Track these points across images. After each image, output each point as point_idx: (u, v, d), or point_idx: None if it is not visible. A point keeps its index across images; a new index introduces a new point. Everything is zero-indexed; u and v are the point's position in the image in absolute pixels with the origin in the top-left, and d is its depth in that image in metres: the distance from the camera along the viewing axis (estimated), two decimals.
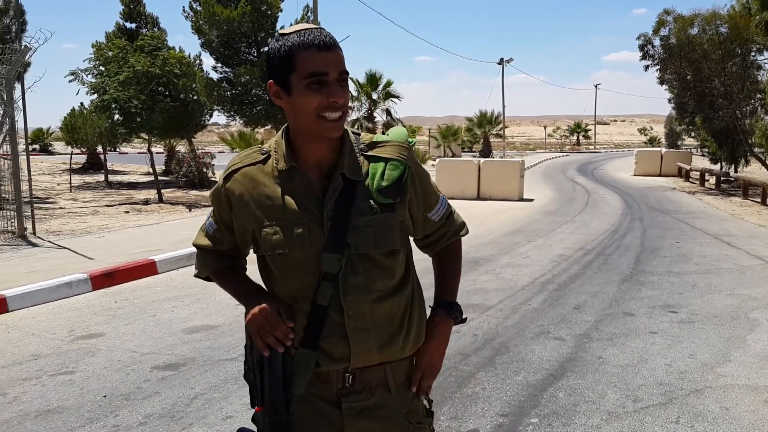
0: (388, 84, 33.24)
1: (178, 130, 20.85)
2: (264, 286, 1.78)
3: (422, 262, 1.97)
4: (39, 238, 10.29)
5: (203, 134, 44.04)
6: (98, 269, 7.54)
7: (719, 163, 25.84)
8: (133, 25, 24.74)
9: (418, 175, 1.78)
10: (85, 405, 4.13)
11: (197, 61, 22.42)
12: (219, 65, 24.03)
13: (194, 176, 20.23)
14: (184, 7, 23.40)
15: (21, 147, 11.02)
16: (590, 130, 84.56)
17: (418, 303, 1.80)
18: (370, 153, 1.71)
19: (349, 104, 1.70)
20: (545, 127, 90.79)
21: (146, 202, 16.03)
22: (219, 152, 33.99)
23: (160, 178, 18.55)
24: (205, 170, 20.55)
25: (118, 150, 35.15)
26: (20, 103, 10.35)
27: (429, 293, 1.86)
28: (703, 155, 35.76)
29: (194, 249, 1.93)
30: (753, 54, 19.91)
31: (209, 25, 22.72)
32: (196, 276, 1.96)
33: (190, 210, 14.78)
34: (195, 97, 21.13)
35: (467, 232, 1.96)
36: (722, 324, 5.86)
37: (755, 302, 6.61)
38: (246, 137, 26.88)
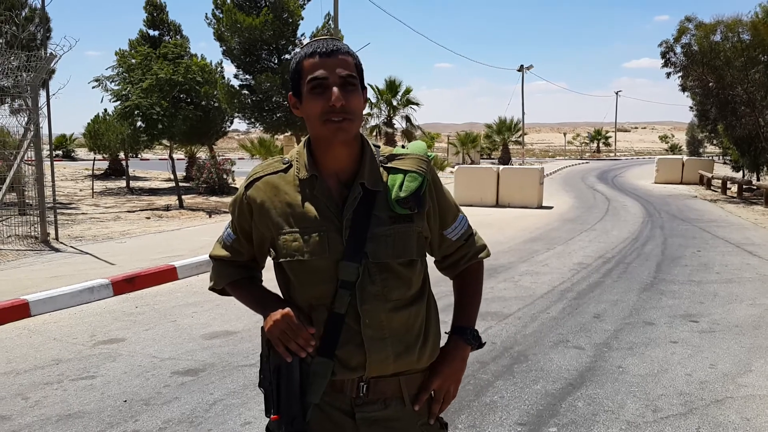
0: (408, 91, 33.36)
1: (199, 137, 21.09)
2: (281, 295, 1.79)
3: (435, 270, 1.97)
4: (61, 243, 10.42)
5: (224, 141, 44.36)
6: (119, 275, 7.62)
7: (741, 171, 25.57)
8: (156, 33, 25.05)
9: (436, 189, 1.79)
10: (106, 410, 4.18)
11: (219, 69, 22.64)
12: (240, 72, 24.25)
13: (214, 182, 20.36)
14: (206, 14, 23.70)
15: (45, 153, 11.16)
16: (611, 137, 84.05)
17: (435, 316, 1.81)
18: (389, 165, 1.73)
19: (366, 110, 1.72)
20: (565, 134, 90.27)
21: (167, 208, 16.16)
22: (239, 158, 34.23)
23: (180, 184, 18.69)
24: (225, 177, 20.66)
25: (139, 156, 35.50)
26: (45, 110, 10.45)
27: (442, 303, 1.85)
28: (725, 163, 35.42)
29: None
30: None
31: (231, 33, 22.92)
32: (211, 289, 1.97)
33: (210, 216, 14.88)
34: (216, 104, 21.36)
35: (488, 255, 1.94)
36: (744, 333, 5.79)
37: None
38: (266, 144, 27.11)
